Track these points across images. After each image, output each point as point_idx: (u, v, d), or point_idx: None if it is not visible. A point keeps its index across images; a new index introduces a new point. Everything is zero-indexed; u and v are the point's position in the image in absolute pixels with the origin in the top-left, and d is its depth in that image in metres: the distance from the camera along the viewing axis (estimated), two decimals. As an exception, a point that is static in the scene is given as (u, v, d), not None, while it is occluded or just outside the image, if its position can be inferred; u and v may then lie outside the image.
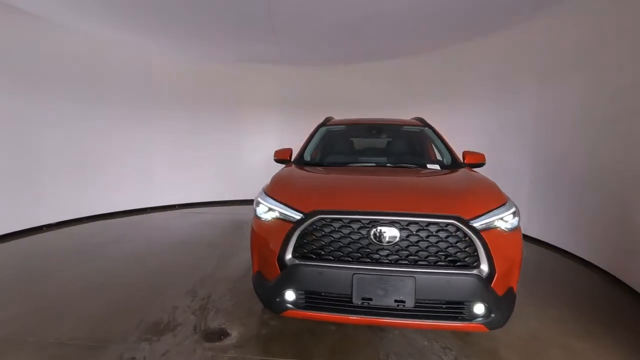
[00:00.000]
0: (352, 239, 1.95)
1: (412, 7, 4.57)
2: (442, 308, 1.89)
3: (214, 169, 7.71)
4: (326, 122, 3.90)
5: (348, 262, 1.94)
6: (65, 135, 5.59)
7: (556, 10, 4.40)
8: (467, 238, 1.89)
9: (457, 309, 1.90)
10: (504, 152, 5.29)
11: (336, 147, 3.63)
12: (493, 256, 1.89)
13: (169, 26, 5.44)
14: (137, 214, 6.58)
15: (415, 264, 1.90)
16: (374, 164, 3.09)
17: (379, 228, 1.92)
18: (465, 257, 1.90)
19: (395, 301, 1.87)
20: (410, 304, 1.86)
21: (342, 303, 1.94)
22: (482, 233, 1.90)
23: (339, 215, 1.96)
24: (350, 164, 3.08)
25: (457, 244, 1.90)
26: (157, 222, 6.12)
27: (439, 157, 3.45)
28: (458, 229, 1.90)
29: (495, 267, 1.89)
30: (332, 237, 1.97)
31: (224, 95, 7.63)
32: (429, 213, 1.91)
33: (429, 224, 1.90)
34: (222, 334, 2.45)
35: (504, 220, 2.03)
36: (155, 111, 6.89)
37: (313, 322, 2.54)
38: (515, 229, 2.08)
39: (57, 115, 5.45)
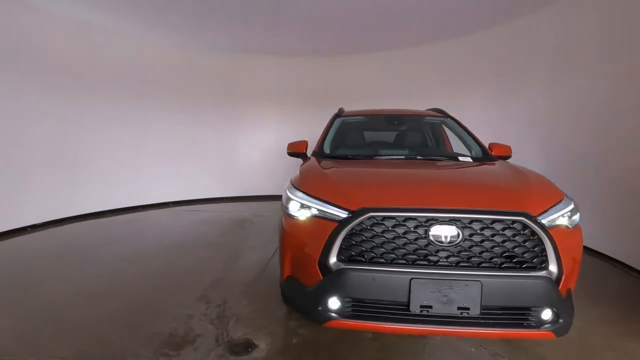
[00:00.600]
0: (407, 239, 1.73)
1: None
2: (508, 314, 1.71)
3: (209, 165, 7.35)
4: (341, 113, 3.66)
5: (404, 265, 1.72)
6: (49, 129, 5.14)
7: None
8: (535, 237, 1.71)
9: (522, 315, 1.72)
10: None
11: (358, 139, 3.42)
12: (561, 256, 1.72)
13: (161, 13, 5.07)
14: (128, 213, 6.18)
15: (478, 266, 1.70)
16: (403, 157, 2.88)
17: (438, 226, 1.71)
18: (533, 258, 1.71)
19: (459, 308, 1.67)
20: (475, 311, 1.66)
21: (397, 311, 1.73)
22: (549, 230, 1.72)
23: (392, 212, 1.74)
24: (378, 157, 2.86)
25: (525, 243, 1.71)
26: (151, 221, 5.75)
27: (464, 149, 3.28)
28: (525, 226, 1.71)
29: (563, 267, 1.72)
30: (385, 237, 1.75)
31: (219, 87, 7.25)
32: (495, 209, 1.72)
33: (494, 221, 1.71)
34: (248, 346, 2.21)
35: (566, 216, 1.86)
36: (147, 103, 6.46)
37: (347, 330, 2.32)
38: (576, 226, 1.92)
39: (40, 107, 5.00)
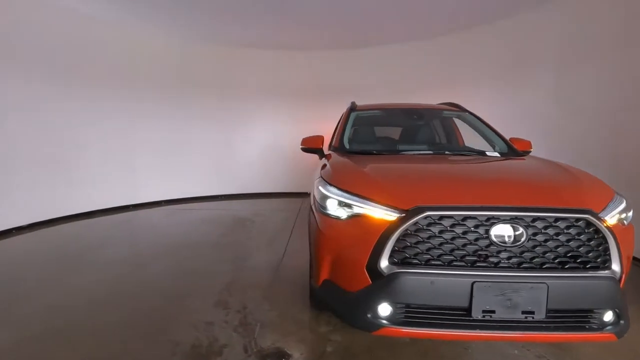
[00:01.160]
0: (467, 239, 1.61)
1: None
2: (572, 317, 1.62)
3: (203, 162, 7.07)
4: (355, 107, 3.52)
5: (465, 268, 1.60)
6: (31, 124, 4.78)
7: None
8: (600, 235, 1.62)
9: (585, 317, 1.64)
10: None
11: (378, 134, 3.28)
12: (622, 254, 1.64)
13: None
14: (118, 212, 5.87)
15: (541, 267, 1.61)
16: (431, 152, 2.77)
17: (500, 226, 1.60)
18: (597, 257, 1.63)
19: (523, 312, 1.57)
20: (540, 315, 1.56)
21: (456, 317, 1.62)
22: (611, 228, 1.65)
23: (450, 211, 1.62)
24: (405, 152, 2.74)
25: (590, 241, 1.62)
26: (145, 220, 5.47)
27: (483, 144, 3.20)
28: (589, 224, 1.62)
29: (623, 266, 1.65)
30: (443, 238, 1.63)
31: (214, 81, 6.97)
32: (559, 207, 1.62)
33: (557, 219, 1.61)
34: (281, 356, 2.05)
35: (622, 213, 1.79)
36: (136, 96, 6.12)
37: (379, 337, 2.19)
38: (630, 223, 1.85)
39: (21, 99, 4.64)
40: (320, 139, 3.19)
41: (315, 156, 3.38)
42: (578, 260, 1.62)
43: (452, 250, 1.62)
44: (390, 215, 1.68)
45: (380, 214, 1.72)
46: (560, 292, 1.56)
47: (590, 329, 1.64)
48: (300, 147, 3.29)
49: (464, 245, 1.61)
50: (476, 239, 1.61)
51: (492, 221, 1.60)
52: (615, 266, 1.63)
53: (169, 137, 6.61)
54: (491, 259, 1.61)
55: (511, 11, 5.05)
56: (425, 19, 5.49)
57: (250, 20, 5.55)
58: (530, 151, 2.95)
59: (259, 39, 6.51)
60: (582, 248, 1.62)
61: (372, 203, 1.76)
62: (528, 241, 1.59)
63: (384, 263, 1.65)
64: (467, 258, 1.61)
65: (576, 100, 4.37)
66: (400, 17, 5.44)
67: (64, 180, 5.21)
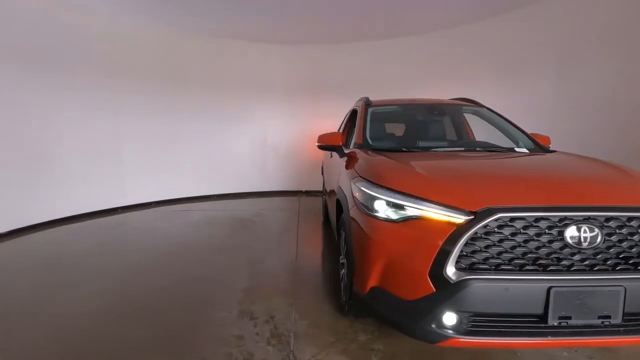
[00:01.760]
0: (540, 242, 1.52)
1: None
2: (643, 319, 1.57)
3: (193, 160, 6.74)
4: (370, 103, 3.39)
5: (539, 272, 1.51)
6: (6, 120, 4.37)
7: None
8: None
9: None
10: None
11: (401, 130, 3.17)
12: None
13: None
14: (107, 215, 5.50)
15: (615, 269, 1.54)
16: (462, 149, 2.68)
17: (574, 226, 1.51)
18: (667, 257, 1.58)
19: (599, 317, 1.49)
20: (616, 318, 1.50)
21: (529, 324, 1.53)
22: None
23: (523, 212, 1.52)
24: (435, 149, 2.63)
25: (661, 241, 1.57)
26: (139, 223, 5.15)
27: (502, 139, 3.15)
28: (660, 222, 1.56)
29: None
30: (515, 241, 1.53)
31: (205, 74, 6.64)
32: (634, 205, 1.55)
33: (630, 218, 1.54)
34: (326, 370, 1.91)
35: None
36: (123, 90, 5.74)
37: (422, 343, 2.08)
38: None
39: None
40: (338, 135, 3.05)
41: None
42: (651, 261, 1.56)
43: (524, 253, 1.53)
44: (456, 218, 1.57)
45: (443, 216, 1.61)
46: (638, 294, 1.50)
47: (662, 331, 1.59)
48: (317, 144, 3.14)
49: (537, 248, 1.52)
50: (550, 241, 1.52)
51: (565, 222, 1.52)
52: (683, 265, 1.58)
53: (157, 135, 6.24)
54: (564, 262, 1.53)
55: (512, 6, 5.06)
56: (420, 13, 5.43)
57: (243, 11, 5.30)
58: (549, 146, 2.93)
59: (250, 32, 6.26)
60: (656, 248, 1.56)
61: (431, 204, 1.65)
62: (603, 242, 1.52)
63: (450, 269, 1.54)
64: (541, 262, 1.52)
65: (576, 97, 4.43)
66: (395, 11, 5.35)
67: (45, 182, 4.81)
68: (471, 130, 3.66)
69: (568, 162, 2.22)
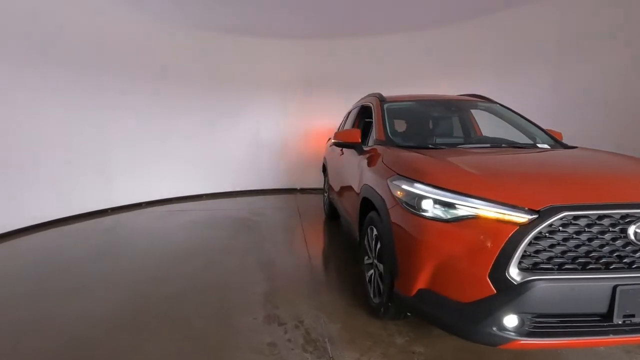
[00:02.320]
0: (604, 240, 1.50)
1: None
2: None
3: (185, 159, 6.48)
4: (384, 98, 3.33)
5: (603, 271, 1.49)
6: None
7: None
8: None
9: None
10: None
11: (424, 127, 3.11)
12: None
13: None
14: (96, 217, 5.19)
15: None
16: (488, 145, 2.66)
17: (637, 224, 1.50)
18: None
19: (661, 314, 1.49)
20: (678, 315, 1.49)
21: (592, 323, 1.51)
22: None
23: (587, 210, 1.49)
24: (461, 146, 2.59)
25: None
26: (133, 225, 4.89)
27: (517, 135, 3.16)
28: None
29: None
30: (579, 239, 1.50)
31: (198, 69, 6.38)
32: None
33: (685, 214, 1.54)
34: (372, 376, 1.83)
35: None
36: (110, 85, 5.41)
37: (462, 342, 2.04)
38: None
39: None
40: (357, 132, 2.97)
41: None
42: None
43: (588, 252, 1.50)
44: (518, 217, 1.52)
45: (501, 215, 1.56)
46: (697, 290, 1.50)
47: None
48: (334, 141, 3.06)
49: (601, 246, 1.50)
50: (613, 239, 1.50)
51: (628, 219, 1.50)
52: None
53: (147, 133, 5.96)
54: (625, 260, 1.51)
55: (512, 3, 5.12)
56: (418, 9, 5.42)
57: (237, 4, 5.12)
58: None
59: (246, 26, 6.07)
60: None
61: (490, 203, 1.59)
62: (664, 239, 1.51)
63: (513, 270, 1.49)
64: (605, 260, 1.50)
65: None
66: (392, 6, 5.31)
67: (26, 183, 4.48)
68: (478, 127, 3.66)
69: (607, 158, 2.20)
